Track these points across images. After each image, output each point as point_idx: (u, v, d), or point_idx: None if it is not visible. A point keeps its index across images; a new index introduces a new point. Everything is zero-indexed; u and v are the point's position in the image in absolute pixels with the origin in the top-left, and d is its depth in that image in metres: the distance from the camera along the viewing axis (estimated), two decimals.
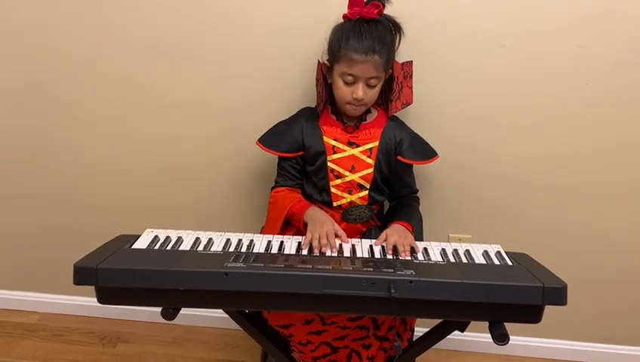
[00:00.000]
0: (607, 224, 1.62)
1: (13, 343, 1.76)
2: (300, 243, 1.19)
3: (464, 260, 1.12)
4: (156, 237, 1.17)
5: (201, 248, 1.13)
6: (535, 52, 1.47)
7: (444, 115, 1.55)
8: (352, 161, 1.34)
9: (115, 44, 1.58)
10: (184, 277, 0.99)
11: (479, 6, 1.45)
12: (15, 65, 1.63)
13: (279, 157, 1.40)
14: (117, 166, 1.72)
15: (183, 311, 1.07)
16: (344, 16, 1.28)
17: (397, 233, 1.21)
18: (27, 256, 1.86)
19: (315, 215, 1.26)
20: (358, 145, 1.35)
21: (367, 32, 1.21)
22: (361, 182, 1.35)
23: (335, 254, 1.14)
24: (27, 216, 1.81)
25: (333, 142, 1.35)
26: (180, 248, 1.13)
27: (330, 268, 1.02)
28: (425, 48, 1.47)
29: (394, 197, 1.45)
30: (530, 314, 1.02)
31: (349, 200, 1.36)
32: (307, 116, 1.39)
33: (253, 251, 1.13)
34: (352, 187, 1.36)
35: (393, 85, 1.34)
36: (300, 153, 1.37)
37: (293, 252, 1.15)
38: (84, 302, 1.88)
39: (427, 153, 1.39)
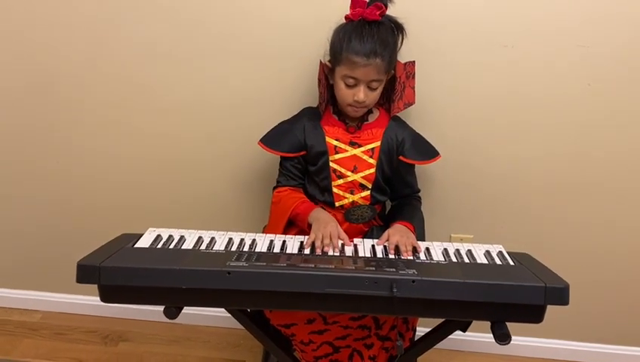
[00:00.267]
0: (609, 224, 1.62)
1: (16, 341, 1.76)
2: (302, 242, 1.19)
3: (466, 260, 1.12)
4: (159, 236, 1.17)
5: (203, 247, 1.13)
6: (537, 52, 1.47)
7: (446, 115, 1.55)
8: (354, 161, 1.35)
9: (117, 44, 1.58)
10: (187, 275, 0.99)
11: (481, 7, 1.45)
12: (16, 65, 1.64)
13: (281, 157, 1.41)
14: (119, 166, 1.72)
15: (185, 310, 1.07)
16: (346, 17, 1.28)
17: (399, 233, 1.21)
18: (29, 254, 1.86)
19: (319, 216, 1.27)
20: (360, 146, 1.35)
21: (369, 34, 1.21)
22: (363, 182, 1.35)
23: (337, 254, 1.14)
24: (29, 215, 1.81)
25: (335, 143, 1.35)
26: (183, 247, 1.13)
27: (333, 267, 1.02)
28: (427, 48, 1.47)
29: (396, 197, 1.45)
30: (532, 313, 1.02)
31: (351, 200, 1.36)
32: (309, 116, 1.39)
33: (256, 250, 1.13)
34: (354, 187, 1.36)
35: (395, 85, 1.34)
36: (302, 153, 1.37)
37: (296, 251, 1.15)
38: (86, 300, 1.88)
39: (429, 153, 1.39)
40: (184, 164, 1.69)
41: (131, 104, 1.65)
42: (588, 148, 1.56)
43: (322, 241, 1.16)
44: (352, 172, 1.34)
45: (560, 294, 0.98)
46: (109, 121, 1.67)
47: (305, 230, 1.28)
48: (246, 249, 1.14)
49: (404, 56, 1.35)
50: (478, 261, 1.12)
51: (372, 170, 1.35)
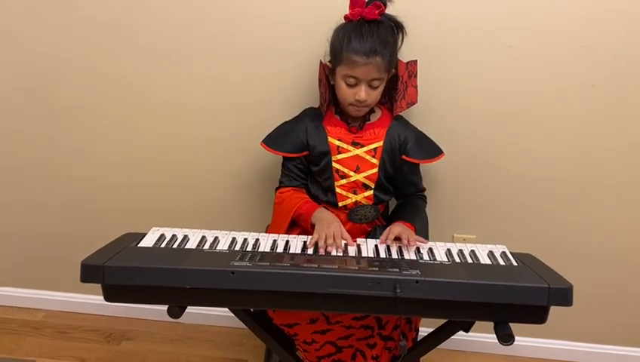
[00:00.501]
0: (613, 224, 1.62)
1: (19, 340, 1.77)
2: (305, 242, 1.19)
3: (469, 260, 1.12)
4: (162, 235, 1.17)
5: (207, 247, 1.13)
6: (541, 53, 1.47)
7: (449, 115, 1.55)
8: (356, 161, 1.35)
9: (118, 45, 1.59)
10: (191, 275, 0.99)
11: (486, 7, 1.45)
12: (20, 66, 1.65)
13: (284, 158, 1.41)
14: (121, 166, 1.73)
15: (187, 309, 1.06)
16: (345, 17, 1.28)
17: (400, 227, 1.21)
18: (32, 253, 1.87)
19: (322, 216, 1.27)
20: (362, 145, 1.35)
21: (369, 33, 1.21)
22: (366, 182, 1.35)
23: (340, 254, 1.14)
24: (33, 215, 1.82)
25: (338, 143, 1.35)
26: (186, 246, 1.13)
27: (336, 267, 1.02)
28: (431, 48, 1.47)
29: (400, 196, 1.45)
30: (536, 314, 1.01)
31: (354, 200, 1.36)
32: (311, 116, 1.39)
33: (259, 250, 1.13)
34: (357, 187, 1.36)
35: (398, 85, 1.34)
36: (304, 153, 1.37)
37: (299, 251, 1.15)
38: (89, 299, 1.89)
39: (432, 151, 1.39)
40: (186, 164, 1.70)
41: (133, 105, 1.65)
42: (591, 149, 1.55)
43: (325, 241, 1.15)
44: (355, 172, 1.34)
45: (563, 295, 0.98)
46: (113, 122, 1.68)
47: (308, 230, 1.28)
48: (249, 249, 1.14)
49: (407, 55, 1.35)
50: (482, 261, 1.12)
51: (375, 170, 1.35)
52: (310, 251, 1.15)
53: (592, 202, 1.61)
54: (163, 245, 1.13)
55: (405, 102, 1.36)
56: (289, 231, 1.32)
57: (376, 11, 1.23)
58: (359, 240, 1.22)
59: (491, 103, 1.53)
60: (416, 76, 1.36)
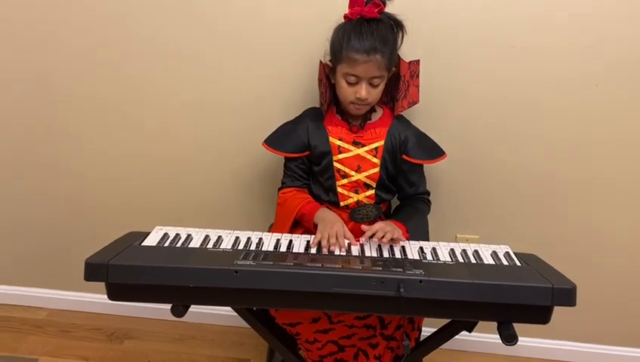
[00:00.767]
0: (617, 224, 1.62)
1: (21, 338, 1.77)
2: (308, 241, 1.19)
3: (473, 260, 1.12)
4: (166, 234, 1.17)
5: (210, 246, 1.13)
6: (545, 53, 1.47)
7: (452, 115, 1.55)
8: (357, 160, 1.35)
9: (122, 47, 1.60)
10: (194, 274, 1.00)
11: (490, 7, 1.45)
12: (25, 63, 1.65)
13: (285, 158, 1.41)
14: (123, 165, 1.73)
15: (190, 308, 1.07)
16: (345, 17, 1.28)
17: (384, 223, 1.21)
18: (36, 252, 1.87)
19: (325, 216, 1.27)
20: (363, 145, 1.35)
21: (368, 31, 1.21)
22: (368, 181, 1.35)
23: (344, 253, 1.14)
24: (36, 214, 1.82)
25: (339, 142, 1.35)
26: (190, 245, 1.13)
27: (340, 266, 1.03)
28: (435, 47, 1.47)
29: (401, 196, 1.45)
30: (539, 314, 1.02)
31: (355, 199, 1.36)
32: (312, 116, 1.39)
33: (263, 249, 1.13)
34: (358, 186, 1.36)
35: (399, 84, 1.34)
36: (305, 153, 1.37)
37: (302, 250, 1.15)
38: (92, 298, 1.89)
39: (434, 152, 1.39)
40: (187, 163, 1.70)
41: (135, 104, 1.66)
42: (595, 149, 1.55)
43: (328, 241, 1.16)
44: (356, 171, 1.34)
45: (567, 295, 0.98)
46: (114, 123, 1.68)
47: (311, 230, 1.28)
48: (253, 248, 1.14)
49: (410, 54, 1.35)
50: (485, 261, 1.12)
51: (376, 170, 1.35)
52: (313, 250, 1.15)
53: (595, 202, 1.60)
54: (167, 244, 1.13)
55: (407, 102, 1.36)
56: (292, 231, 1.32)
57: (376, 10, 1.23)
58: (362, 240, 1.22)
59: (494, 103, 1.53)
60: (418, 76, 1.36)
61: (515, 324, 1.02)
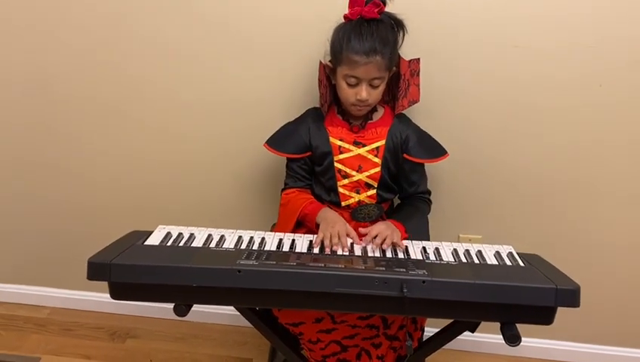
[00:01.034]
0: (621, 224, 1.61)
1: (24, 337, 1.77)
2: (311, 241, 1.19)
3: (476, 261, 1.12)
4: (169, 233, 1.17)
5: (213, 245, 1.13)
6: (548, 53, 1.47)
7: (454, 115, 1.55)
8: (358, 160, 1.34)
9: (123, 47, 1.59)
10: (197, 273, 1.00)
11: (493, 7, 1.44)
12: (28, 64, 1.65)
13: (287, 159, 1.41)
14: (126, 165, 1.73)
15: (192, 307, 1.07)
16: (345, 17, 1.27)
17: (384, 224, 1.21)
18: (38, 251, 1.87)
19: (327, 215, 1.27)
20: (364, 145, 1.35)
21: (368, 32, 1.21)
22: (369, 181, 1.35)
23: (347, 253, 1.14)
24: (38, 213, 1.82)
25: (339, 143, 1.35)
26: (193, 245, 1.13)
27: (343, 266, 1.02)
28: (434, 47, 1.47)
29: (402, 195, 1.44)
30: (543, 315, 1.01)
31: (357, 199, 1.36)
32: (313, 117, 1.39)
33: (265, 249, 1.13)
34: (359, 186, 1.36)
35: (400, 83, 1.34)
36: (307, 154, 1.37)
37: (305, 250, 1.15)
38: (94, 297, 1.89)
39: (435, 151, 1.38)
40: (189, 164, 1.70)
41: (136, 104, 1.66)
42: (598, 149, 1.55)
43: (331, 240, 1.15)
44: (357, 171, 1.34)
45: (571, 296, 0.98)
46: (115, 121, 1.68)
47: (313, 230, 1.28)
48: (255, 247, 1.14)
49: (411, 53, 1.34)
50: (488, 262, 1.12)
51: (377, 169, 1.34)
52: (316, 250, 1.15)
53: (599, 202, 1.60)
54: (169, 243, 1.13)
55: (407, 101, 1.35)
56: (295, 231, 1.31)
57: (376, 10, 1.23)
58: (363, 243, 1.21)
59: (496, 103, 1.53)
60: (418, 75, 1.36)
61: (517, 325, 1.01)
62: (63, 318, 1.87)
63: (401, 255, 1.14)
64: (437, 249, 1.17)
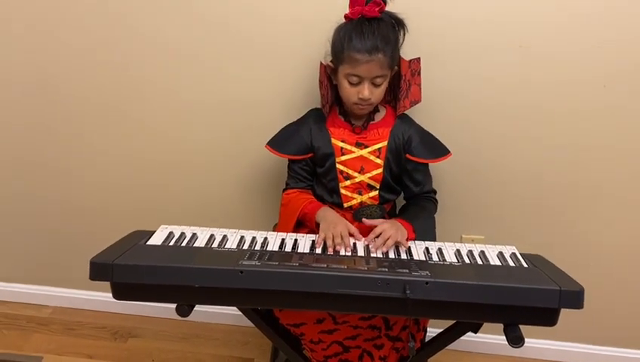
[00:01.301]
0: (624, 225, 1.61)
1: (26, 336, 1.77)
2: (313, 241, 1.18)
3: (479, 261, 1.12)
4: (171, 233, 1.17)
5: (215, 245, 1.13)
6: (552, 53, 1.46)
7: (456, 115, 1.54)
8: (360, 161, 1.34)
9: (126, 46, 1.59)
10: (200, 274, 0.99)
11: (497, 6, 1.44)
12: (29, 64, 1.65)
13: (289, 160, 1.40)
14: (128, 165, 1.73)
15: (194, 307, 1.07)
16: (346, 16, 1.27)
17: (389, 223, 1.20)
18: (40, 250, 1.87)
19: (327, 215, 1.26)
20: (366, 146, 1.34)
21: (370, 31, 1.21)
22: (371, 182, 1.35)
23: (349, 253, 1.13)
24: (41, 212, 1.82)
25: (341, 144, 1.34)
26: (195, 245, 1.13)
27: (345, 267, 1.02)
28: (441, 46, 1.47)
29: (407, 196, 1.44)
30: (546, 317, 1.01)
31: (359, 200, 1.36)
32: (315, 118, 1.39)
33: (268, 249, 1.13)
34: (361, 188, 1.35)
35: (401, 83, 1.33)
36: (309, 155, 1.37)
37: (307, 250, 1.15)
38: (97, 296, 1.89)
39: (438, 151, 1.38)
40: (191, 164, 1.70)
41: (137, 105, 1.66)
42: (602, 149, 1.54)
43: (334, 241, 1.15)
44: (359, 173, 1.34)
45: (574, 298, 0.97)
46: (119, 122, 1.68)
47: (314, 230, 1.28)
48: (258, 247, 1.14)
49: (412, 53, 1.34)
50: (491, 262, 1.11)
51: (379, 170, 1.34)
52: (319, 250, 1.14)
53: (602, 203, 1.59)
54: (172, 243, 1.13)
55: (409, 101, 1.35)
56: (296, 231, 1.31)
57: (376, 9, 1.22)
58: (366, 241, 1.21)
59: (499, 104, 1.52)
60: (419, 74, 1.35)
61: (520, 326, 1.01)
62: (65, 318, 1.87)
63: (403, 255, 1.14)
64: (440, 249, 1.16)
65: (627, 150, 1.53)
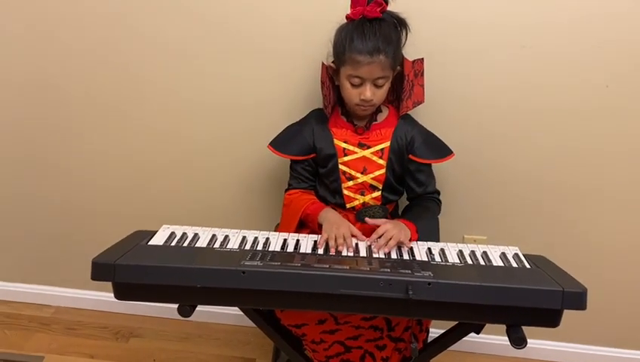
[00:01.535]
0: (627, 226, 1.60)
1: (28, 336, 1.77)
2: (315, 241, 1.18)
3: (481, 262, 1.11)
4: (173, 233, 1.17)
5: (217, 245, 1.13)
6: (555, 53, 1.46)
7: (458, 116, 1.54)
8: (363, 162, 1.34)
9: (126, 46, 1.60)
10: (202, 274, 0.99)
11: (498, 6, 1.44)
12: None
13: (291, 160, 1.40)
14: (130, 166, 1.73)
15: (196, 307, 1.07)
16: (347, 17, 1.27)
17: (392, 223, 1.20)
18: (42, 250, 1.87)
19: (329, 216, 1.26)
20: (369, 147, 1.34)
21: (371, 31, 1.20)
22: (374, 183, 1.35)
23: (351, 254, 1.13)
24: (43, 213, 1.82)
25: (344, 145, 1.34)
26: (197, 245, 1.13)
27: (347, 268, 1.02)
28: (442, 47, 1.46)
29: (410, 196, 1.43)
30: (549, 318, 1.00)
31: (362, 201, 1.36)
32: (317, 118, 1.39)
33: (270, 249, 1.13)
34: (364, 188, 1.35)
35: (404, 83, 1.33)
36: (311, 155, 1.37)
37: (309, 251, 1.14)
38: (98, 296, 1.89)
39: (441, 151, 1.38)
40: (192, 166, 1.70)
41: (137, 105, 1.66)
42: (604, 150, 1.54)
43: (336, 241, 1.15)
44: (362, 173, 1.34)
45: (578, 299, 0.97)
46: (120, 122, 1.69)
47: (316, 231, 1.28)
48: (260, 248, 1.13)
49: (416, 53, 1.33)
50: (494, 263, 1.11)
51: (382, 171, 1.34)
52: (321, 251, 1.14)
53: (604, 203, 1.59)
54: (173, 243, 1.13)
55: (412, 102, 1.34)
56: (297, 232, 1.31)
57: (378, 9, 1.22)
58: (368, 241, 1.21)
59: (503, 103, 1.52)
60: (422, 75, 1.34)
61: (522, 326, 1.01)
62: (67, 317, 1.87)
63: (406, 256, 1.13)
64: (442, 250, 1.16)
65: (630, 150, 1.53)
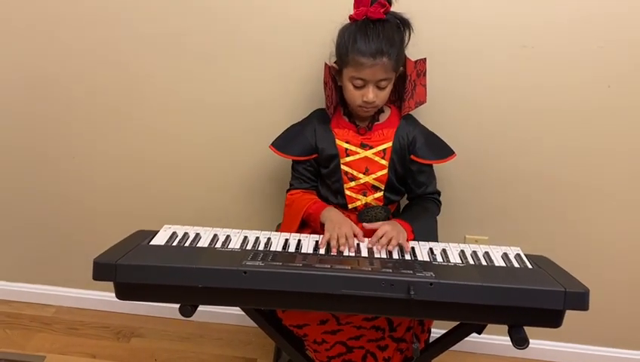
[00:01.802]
0: (628, 226, 1.60)
1: (29, 335, 1.78)
2: (317, 241, 1.18)
3: (483, 262, 1.11)
4: (174, 233, 1.17)
5: (219, 245, 1.13)
6: (557, 53, 1.45)
7: (460, 115, 1.54)
8: (365, 163, 1.34)
9: (127, 46, 1.60)
10: (203, 274, 0.99)
11: (500, 6, 1.43)
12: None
13: (293, 161, 1.40)
14: (132, 166, 1.73)
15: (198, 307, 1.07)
16: (350, 17, 1.26)
17: (390, 225, 1.20)
18: (44, 249, 1.88)
19: (331, 215, 1.26)
20: (371, 147, 1.34)
21: (374, 33, 1.20)
22: (376, 183, 1.34)
23: (353, 254, 1.13)
24: (44, 212, 1.83)
25: (346, 145, 1.34)
26: (198, 245, 1.13)
27: (349, 268, 1.02)
28: (443, 47, 1.46)
29: (410, 196, 1.44)
30: (551, 318, 1.00)
31: (364, 201, 1.36)
32: (319, 118, 1.38)
33: (271, 249, 1.13)
34: (366, 189, 1.35)
35: (406, 83, 1.33)
36: (313, 156, 1.37)
37: (311, 251, 1.14)
38: (100, 296, 1.89)
39: (443, 152, 1.37)
40: (193, 166, 1.70)
41: (138, 105, 1.66)
42: (606, 150, 1.53)
43: (338, 241, 1.15)
44: (364, 174, 1.34)
45: (580, 299, 0.97)
46: (121, 122, 1.69)
47: (318, 230, 1.28)
48: (261, 248, 1.13)
49: (418, 53, 1.33)
50: (496, 263, 1.11)
51: (384, 171, 1.33)
52: (322, 251, 1.14)
53: (606, 203, 1.59)
54: (175, 243, 1.13)
55: (414, 102, 1.34)
56: (299, 232, 1.30)
57: (381, 10, 1.21)
58: (369, 244, 1.21)
59: (504, 103, 1.52)
60: (425, 75, 1.34)
61: (524, 327, 1.01)
62: (68, 317, 1.88)
63: (407, 256, 1.13)
64: (444, 250, 1.16)
65: (632, 150, 1.53)
